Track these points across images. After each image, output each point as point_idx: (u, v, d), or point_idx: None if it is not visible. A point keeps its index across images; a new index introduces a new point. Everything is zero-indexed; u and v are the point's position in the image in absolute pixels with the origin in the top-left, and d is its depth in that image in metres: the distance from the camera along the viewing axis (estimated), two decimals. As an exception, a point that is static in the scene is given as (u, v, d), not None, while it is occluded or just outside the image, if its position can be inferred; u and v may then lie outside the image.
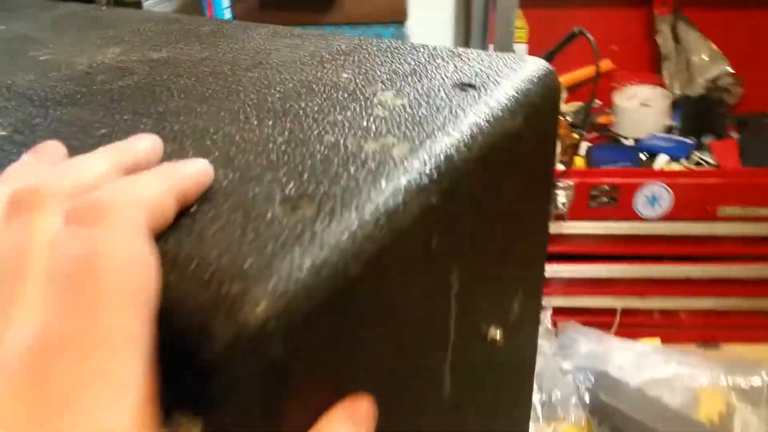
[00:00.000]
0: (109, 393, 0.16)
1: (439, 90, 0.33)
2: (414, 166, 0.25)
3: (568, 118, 1.38)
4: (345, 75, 0.35)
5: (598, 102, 1.45)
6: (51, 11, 0.52)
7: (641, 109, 1.40)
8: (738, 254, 1.30)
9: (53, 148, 0.25)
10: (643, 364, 1.09)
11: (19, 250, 0.19)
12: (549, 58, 1.01)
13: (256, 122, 0.30)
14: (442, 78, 0.35)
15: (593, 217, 1.25)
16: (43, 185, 0.20)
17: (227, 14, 1.09)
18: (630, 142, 1.40)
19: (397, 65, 0.37)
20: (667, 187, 1.21)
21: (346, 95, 0.33)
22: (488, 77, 0.35)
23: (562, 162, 1.23)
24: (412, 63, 0.37)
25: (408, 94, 0.32)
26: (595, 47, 0.87)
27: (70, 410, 0.16)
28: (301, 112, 0.30)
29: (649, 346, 1.19)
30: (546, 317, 1.23)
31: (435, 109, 0.31)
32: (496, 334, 0.34)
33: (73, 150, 0.28)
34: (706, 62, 1.39)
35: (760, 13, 1.44)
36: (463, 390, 0.34)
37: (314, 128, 0.29)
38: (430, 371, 0.30)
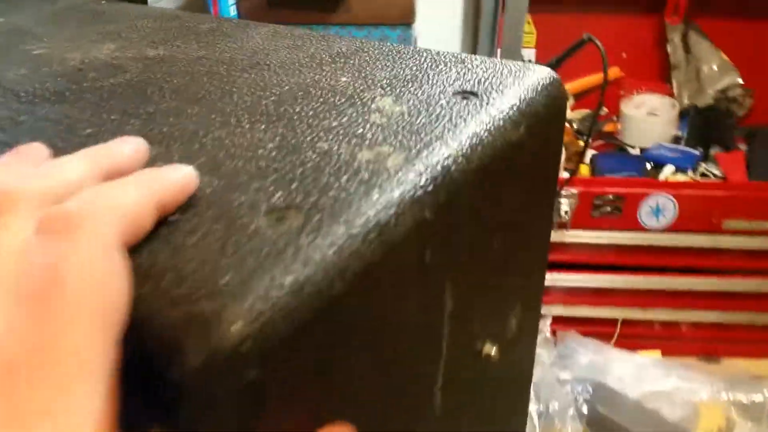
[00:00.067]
0: (64, 419, 0.15)
1: (439, 97, 0.32)
2: (409, 178, 0.24)
3: (574, 125, 1.37)
4: (344, 79, 0.34)
5: (605, 110, 1.43)
6: (52, 4, 0.51)
7: (648, 118, 1.38)
8: (742, 268, 1.29)
9: (35, 149, 0.24)
10: (642, 377, 1.07)
11: None
12: (557, 64, 0.99)
13: (247, 126, 0.29)
14: (444, 85, 0.33)
15: (596, 226, 1.23)
16: (18, 188, 0.19)
17: (233, 12, 1.09)
18: (636, 152, 1.38)
19: (398, 70, 0.36)
20: (672, 198, 1.20)
21: (343, 100, 0.31)
22: (491, 85, 0.33)
23: (566, 170, 1.22)
24: (414, 68, 0.36)
25: (407, 100, 0.31)
26: (604, 55, 0.86)
27: None
28: (295, 117, 0.29)
29: (649, 358, 1.18)
30: (545, 326, 1.22)
31: (434, 117, 0.30)
32: (492, 350, 0.33)
33: (57, 150, 0.27)
34: (716, 73, 1.38)
35: (773, 25, 1.42)
36: (456, 405, 0.33)
37: (307, 134, 0.28)
38: (420, 389, 0.29)
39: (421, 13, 1.25)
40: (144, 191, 0.20)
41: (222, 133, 0.28)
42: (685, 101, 1.41)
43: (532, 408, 1.03)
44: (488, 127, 0.29)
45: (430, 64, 0.37)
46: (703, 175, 1.32)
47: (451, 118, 0.29)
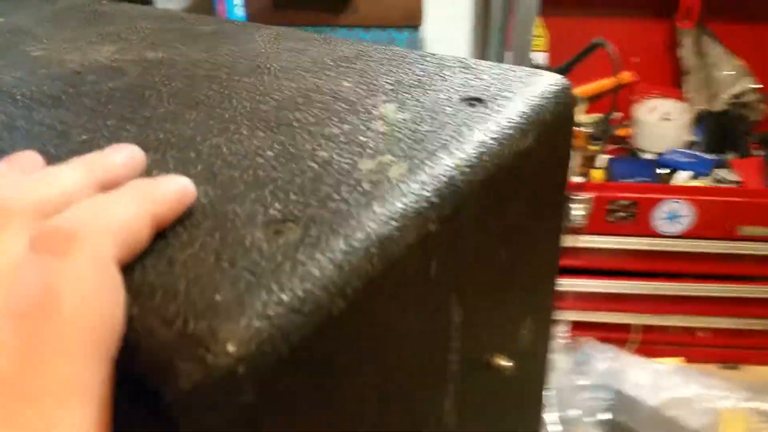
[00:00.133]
0: None
1: (444, 104, 0.31)
2: (412, 189, 0.23)
3: (587, 129, 1.35)
4: (346, 84, 0.33)
5: (617, 114, 1.41)
6: (53, 4, 0.51)
7: (661, 123, 1.36)
8: (759, 275, 1.27)
9: (28, 157, 0.23)
10: (661, 384, 1.05)
11: None
12: (568, 68, 0.98)
13: (246, 133, 0.28)
14: (449, 91, 0.32)
15: (611, 231, 1.22)
16: (10, 201, 0.19)
17: (239, 13, 1.08)
18: (650, 156, 1.36)
19: (403, 75, 0.35)
20: (687, 204, 1.18)
21: (345, 106, 0.30)
22: (498, 92, 0.32)
23: (579, 174, 1.20)
24: (419, 73, 0.35)
25: (411, 107, 0.30)
26: (615, 59, 0.84)
27: None
28: (296, 124, 0.29)
29: (667, 365, 1.16)
30: (563, 332, 1.20)
31: (439, 125, 0.29)
32: (503, 362, 0.32)
33: (52, 157, 0.26)
34: (730, 77, 1.36)
35: (787, 28, 1.40)
36: (467, 418, 0.32)
37: (307, 142, 0.27)
38: (428, 403, 0.28)
39: (429, 15, 1.24)
40: (141, 205, 0.19)
41: (220, 140, 0.27)
42: (699, 106, 1.39)
43: (549, 416, 1.01)
44: (495, 136, 0.28)
45: (435, 69, 0.36)
46: (718, 180, 1.30)
47: (456, 126, 0.28)
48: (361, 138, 0.27)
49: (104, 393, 0.16)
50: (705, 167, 1.31)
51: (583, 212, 1.16)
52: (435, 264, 0.24)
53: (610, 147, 1.40)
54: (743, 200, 1.20)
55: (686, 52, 1.40)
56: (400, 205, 0.22)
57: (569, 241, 1.21)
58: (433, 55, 0.38)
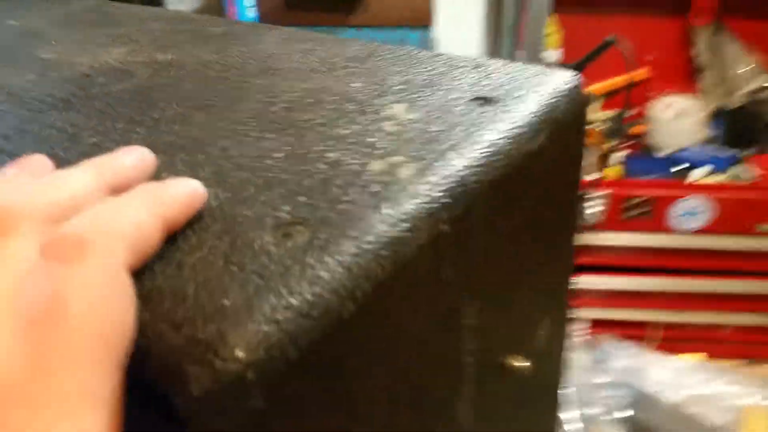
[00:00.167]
0: None
1: (455, 104, 0.31)
2: (422, 190, 0.23)
3: (601, 126, 1.34)
4: (356, 84, 0.33)
5: (632, 111, 1.40)
6: (66, 6, 0.51)
7: (677, 120, 1.35)
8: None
9: (38, 161, 0.23)
10: (681, 381, 1.04)
11: None
12: (581, 66, 0.97)
13: (256, 134, 0.28)
14: (460, 91, 0.32)
15: (627, 228, 1.21)
16: (21, 206, 0.19)
17: (251, 14, 1.08)
18: (665, 154, 1.35)
19: (413, 75, 0.34)
20: (704, 200, 1.17)
21: (354, 107, 0.30)
22: (509, 90, 0.32)
23: (596, 172, 1.20)
24: (429, 73, 0.35)
25: (421, 107, 0.30)
26: (629, 57, 0.84)
27: None
28: (305, 125, 0.28)
29: (688, 361, 1.14)
30: (581, 330, 1.19)
31: (449, 125, 0.28)
32: (519, 364, 0.31)
33: (61, 160, 0.26)
34: (747, 74, 1.34)
35: (804, 23, 1.38)
36: (483, 419, 0.31)
37: (317, 143, 0.27)
38: (442, 405, 0.28)
39: (441, 14, 1.23)
40: (151, 209, 0.19)
41: (229, 143, 0.27)
42: (714, 103, 1.37)
43: (568, 414, 1.00)
44: (506, 135, 0.28)
45: (445, 68, 0.35)
46: (735, 177, 1.29)
47: (466, 126, 0.28)
48: (371, 139, 0.27)
49: (114, 399, 0.16)
50: (722, 164, 1.29)
51: (599, 209, 1.15)
52: (446, 265, 0.23)
53: (625, 144, 1.38)
54: (761, 196, 1.18)
55: (701, 49, 1.38)
56: (410, 206, 0.22)
57: (586, 238, 1.20)
58: (444, 54, 0.38)
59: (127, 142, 0.27)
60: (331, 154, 0.25)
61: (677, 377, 1.04)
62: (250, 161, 0.25)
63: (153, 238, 0.19)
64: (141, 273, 0.18)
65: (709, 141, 1.37)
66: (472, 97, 0.31)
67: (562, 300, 0.39)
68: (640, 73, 1.40)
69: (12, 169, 0.22)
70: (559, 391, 0.42)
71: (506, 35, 1.36)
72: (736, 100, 1.34)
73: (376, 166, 0.25)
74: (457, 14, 1.37)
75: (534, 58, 1.10)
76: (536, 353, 0.34)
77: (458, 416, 0.28)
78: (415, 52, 0.39)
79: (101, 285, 0.17)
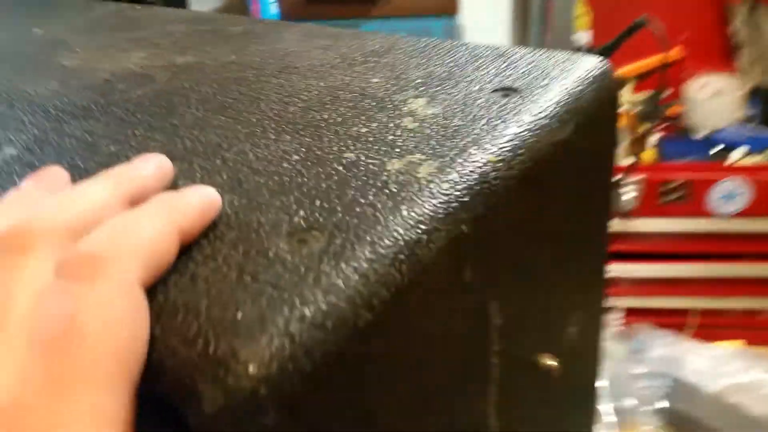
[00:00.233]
0: None
1: (477, 96, 0.30)
2: (442, 189, 0.22)
3: (636, 109, 1.30)
4: (375, 80, 0.32)
5: (667, 92, 1.36)
6: (89, 12, 0.52)
7: (714, 100, 1.30)
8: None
9: (54, 174, 0.23)
10: (721, 369, 1.01)
11: (2, 296, 0.17)
12: (613, 47, 0.94)
13: (273, 136, 0.27)
14: (482, 82, 0.31)
15: (664, 214, 1.17)
16: (37, 223, 0.19)
17: (273, 10, 1.08)
18: (702, 135, 1.31)
19: (433, 67, 0.34)
20: (743, 182, 1.13)
21: (373, 104, 0.30)
22: (534, 80, 0.31)
23: (630, 156, 1.16)
24: (450, 65, 0.34)
25: (442, 101, 0.29)
26: (662, 37, 0.80)
27: None
28: (323, 125, 0.28)
29: (727, 349, 1.11)
30: (617, 320, 1.17)
31: (471, 119, 0.27)
32: (550, 361, 0.30)
33: (80, 171, 0.26)
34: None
35: None
36: (515, 420, 0.31)
37: (334, 144, 0.26)
38: (469, 411, 0.27)
39: (466, 1, 1.21)
40: (167, 222, 0.19)
41: (246, 146, 0.27)
42: (752, 82, 1.32)
43: (605, 406, 0.98)
44: (531, 128, 0.27)
45: (467, 59, 0.34)
46: (775, 157, 1.24)
47: (489, 120, 0.27)
48: (390, 136, 0.26)
49: (127, 417, 0.16)
50: (761, 144, 1.24)
51: (634, 195, 1.12)
52: (469, 267, 0.22)
53: (661, 126, 1.34)
54: (805, 177, 1.13)
55: (738, 26, 1.33)
56: (429, 206, 0.21)
57: (621, 225, 1.17)
58: (466, 44, 0.37)
59: (146, 150, 0.27)
60: (348, 155, 0.25)
61: (716, 366, 1.01)
62: (266, 165, 0.25)
63: (169, 251, 0.19)
64: (155, 287, 0.18)
65: (747, 120, 1.31)
66: (495, 88, 0.30)
67: (595, 293, 0.37)
68: (675, 53, 1.35)
69: (28, 183, 0.22)
70: (594, 387, 0.41)
71: (534, 19, 1.33)
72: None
73: (394, 165, 0.24)
74: (483, 0, 1.35)
75: (563, 41, 1.07)
76: (568, 349, 0.33)
77: (487, 421, 0.27)
78: (436, 43, 0.38)
79: (115, 304, 0.16)
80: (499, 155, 0.25)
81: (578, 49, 1.22)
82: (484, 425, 0.28)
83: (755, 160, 1.23)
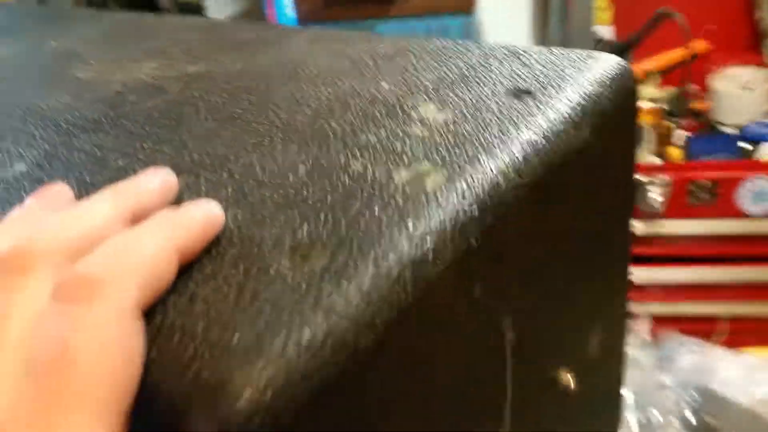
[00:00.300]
0: None
1: (489, 99, 0.29)
2: (450, 200, 0.22)
3: (661, 105, 1.27)
4: (385, 85, 0.32)
5: (693, 87, 1.32)
6: (103, 23, 0.52)
7: (742, 93, 1.26)
8: None
9: (58, 192, 0.23)
10: (753, 379, 0.98)
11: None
12: (636, 42, 0.92)
13: (280, 147, 0.27)
14: (495, 84, 0.30)
15: (692, 215, 1.14)
16: (37, 243, 0.19)
17: (290, 14, 1.08)
18: (731, 130, 1.27)
19: (445, 70, 0.33)
20: (774, 179, 1.09)
21: (382, 110, 0.29)
22: (549, 81, 0.30)
23: (656, 154, 1.13)
24: (462, 67, 0.33)
25: (453, 106, 0.28)
26: (685, 28, 0.78)
27: None
28: (330, 134, 0.27)
29: (760, 358, 1.07)
30: (644, 326, 1.14)
31: (483, 124, 0.26)
32: (569, 378, 0.29)
33: (87, 186, 0.26)
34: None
35: None
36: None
37: (341, 153, 0.25)
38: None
39: (485, -2, 1.19)
40: (168, 241, 0.19)
41: (253, 158, 0.26)
42: (784, 70, 1.28)
43: (631, 418, 0.96)
44: (545, 132, 0.26)
45: (480, 60, 0.34)
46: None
47: (501, 124, 0.26)
48: (398, 145, 0.26)
49: None
50: (793, 138, 1.20)
51: (660, 196, 1.09)
52: (478, 283, 0.22)
53: (688, 123, 1.31)
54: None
55: (765, 14, 1.29)
56: (436, 220, 0.21)
57: (647, 228, 1.14)
58: (480, 44, 0.36)
59: (154, 163, 0.27)
60: (355, 165, 0.24)
61: (749, 375, 0.98)
62: (272, 177, 0.24)
63: (168, 271, 0.18)
64: (153, 308, 0.18)
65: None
66: (509, 91, 0.29)
67: (617, 301, 0.36)
68: (700, 45, 1.32)
69: (32, 201, 0.22)
70: (617, 401, 0.39)
71: (554, 12, 1.31)
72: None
73: (401, 176, 0.23)
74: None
75: (584, 36, 1.05)
76: (589, 362, 0.32)
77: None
78: (449, 44, 0.37)
79: (111, 328, 0.16)
80: (511, 162, 0.24)
81: (599, 44, 1.19)
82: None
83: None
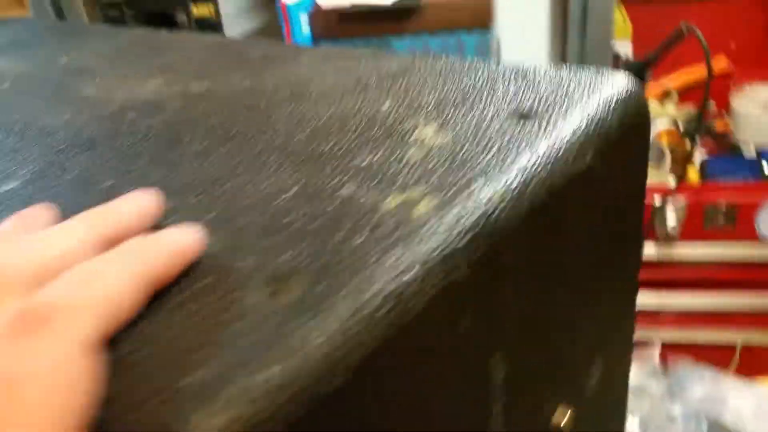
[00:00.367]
0: None
1: (490, 122, 0.28)
2: (440, 228, 0.21)
3: (679, 125, 1.24)
4: (386, 105, 0.31)
5: (712, 106, 1.29)
6: (115, 39, 0.52)
7: (764, 113, 1.23)
8: None
9: (38, 215, 0.23)
10: (766, 411, 0.94)
11: None
12: (654, 60, 0.90)
13: (273, 169, 0.26)
14: (497, 106, 0.29)
15: (709, 239, 1.11)
16: (4, 270, 0.18)
17: (305, 31, 1.08)
18: (751, 152, 1.23)
19: (448, 91, 0.32)
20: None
21: (380, 132, 0.28)
22: (554, 103, 0.29)
23: (673, 176, 1.11)
24: (467, 87, 0.32)
25: (453, 128, 0.28)
26: (705, 45, 0.76)
27: None
28: (324, 156, 0.26)
29: (773, 389, 1.03)
30: (654, 354, 1.10)
31: (481, 148, 0.25)
32: (565, 416, 0.28)
33: (73, 207, 0.26)
34: None
35: None
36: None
37: (333, 177, 0.25)
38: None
39: (502, 13, 1.19)
40: (134, 272, 0.18)
41: (244, 180, 0.25)
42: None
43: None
44: (545, 158, 0.25)
45: (485, 81, 0.33)
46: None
47: (500, 148, 0.25)
48: (392, 169, 0.25)
49: None
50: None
51: (676, 219, 1.06)
52: (466, 317, 0.20)
53: (706, 143, 1.28)
54: None
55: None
56: (423, 249, 0.20)
57: (661, 252, 1.11)
58: (487, 64, 0.35)
59: (143, 185, 0.26)
60: (345, 189, 0.23)
61: (763, 407, 0.94)
62: (259, 201, 0.24)
63: (130, 303, 0.18)
64: (111, 342, 0.17)
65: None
66: (511, 113, 0.28)
67: (620, 334, 0.35)
68: (721, 63, 1.29)
69: (8, 223, 0.22)
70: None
71: (573, 30, 1.30)
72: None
73: (392, 201, 0.22)
74: (520, 11, 1.32)
75: (603, 52, 1.03)
76: (587, 399, 0.31)
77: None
78: (456, 63, 0.36)
79: (62, 363, 0.15)
80: (507, 189, 0.23)
81: (617, 61, 1.18)
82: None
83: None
